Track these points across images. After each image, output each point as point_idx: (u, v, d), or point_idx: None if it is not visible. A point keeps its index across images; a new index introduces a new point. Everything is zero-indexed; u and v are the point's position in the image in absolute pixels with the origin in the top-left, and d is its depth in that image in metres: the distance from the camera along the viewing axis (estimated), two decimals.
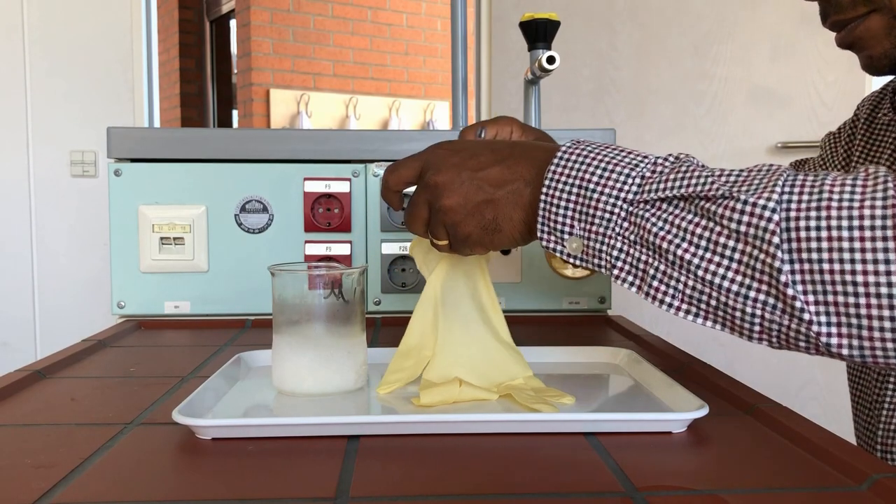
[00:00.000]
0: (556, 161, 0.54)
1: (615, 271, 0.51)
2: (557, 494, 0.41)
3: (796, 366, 2.16)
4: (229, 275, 0.97)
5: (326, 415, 0.55)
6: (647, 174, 0.51)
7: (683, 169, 0.50)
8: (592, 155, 0.53)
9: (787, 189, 0.46)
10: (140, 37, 2.50)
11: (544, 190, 0.53)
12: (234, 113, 5.37)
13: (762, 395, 0.58)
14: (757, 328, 0.47)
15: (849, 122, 0.88)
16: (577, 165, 0.53)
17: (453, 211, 0.56)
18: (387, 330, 0.91)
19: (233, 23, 5.28)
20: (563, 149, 0.54)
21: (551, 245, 0.54)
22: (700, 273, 0.48)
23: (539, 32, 1.09)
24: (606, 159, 0.52)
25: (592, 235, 0.52)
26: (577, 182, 0.52)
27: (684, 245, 0.48)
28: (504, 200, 0.56)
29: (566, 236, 0.53)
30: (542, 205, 0.54)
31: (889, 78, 0.83)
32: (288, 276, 0.61)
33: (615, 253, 0.51)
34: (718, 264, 0.47)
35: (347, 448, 0.48)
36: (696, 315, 0.49)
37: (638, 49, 2.33)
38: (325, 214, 0.97)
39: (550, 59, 1.03)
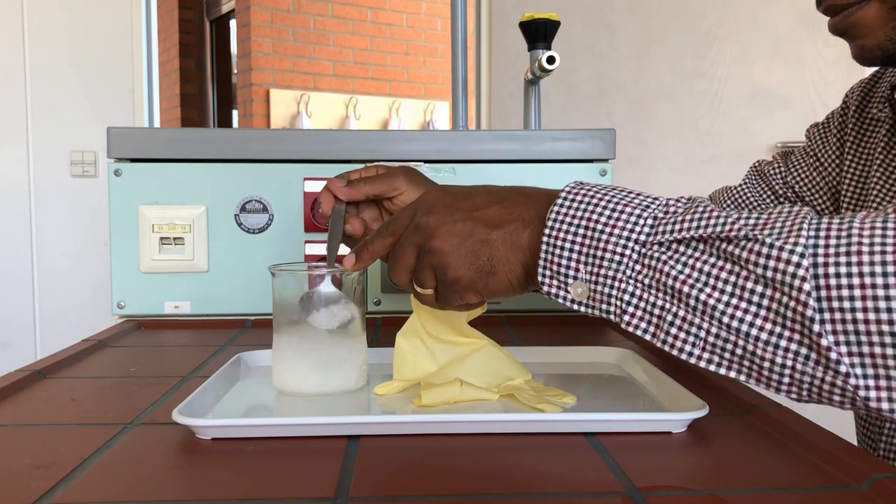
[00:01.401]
0: (559, 201, 0.50)
1: (626, 317, 0.48)
2: (557, 494, 0.41)
3: None
4: (229, 275, 0.97)
5: (326, 415, 0.55)
6: (660, 215, 0.48)
7: (700, 210, 0.47)
8: (599, 196, 0.50)
9: (812, 233, 0.43)
10: (140, 37, 2.50)
11: (547, 231, 0.50)
12: (234, 113, 5.37)
13: (762, 395, 0.58)
14: (786, 379, 0.44)
15: (838, 111, 0.86)
16: (582, 206, 0.50)
17: (444, 253, 0.53)
18: (387, 330, 0.91)
19: (233, 23, 5.29)
20: (567, 189, 0.51)
21: (553, 290, 0.50)
22: (725, 319, 0.44)
23: (539, 32, 1.09)
24: (615, 200, 0.49)
25: (600, 279, 0.48)
26: (584, 223, 0.49)
27: (707, 290, 0.45)
28: (500, 241, 0.52)
29: (570, 280, 0.49)
30: (544, 246, 0.50)
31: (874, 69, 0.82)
32: (288, 276, 0.61)
33: (626, 297, 0.48)
34: (745, 311, 0.44)
35: (347, 448, 0.48)
36: (719, 365, 0.46)
37: (638, 49, 2.33)
38: None
39: (550, 59, 1.03)
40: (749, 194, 0.94)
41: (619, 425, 0.51)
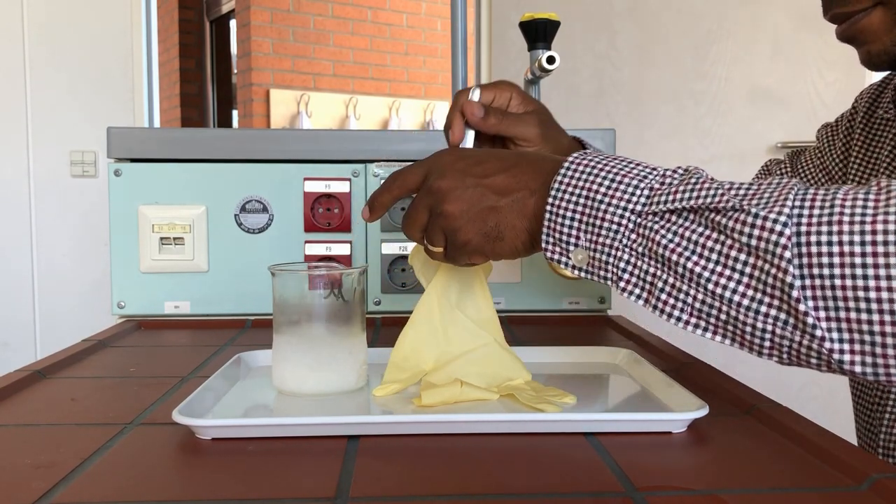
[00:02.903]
0: (562, 171, 0.53)
1: (622, 283, 0.50)
2: (557, 494, 0.41)
3: None
4: (229, 275, 0.97)
5: (326, 415, 0.55)
6: (656, 186, 0.50)
7: (693, 181, 0.49)
8: (600, 166, 0.52)
9: (797, 203, 0.45)
10: (140, 37, 2.50)
11: (550, 200, 0.52)
12: (234, 113, 5.37)
13: (762, 395, 0.58)
14: (767, 344, 0.46)
15: (846, 114, 0.87)
16: (584, 176, 0.52)
17: (454, 217, 0.55)
18: (387, 330, 0.91)
19: (233, 23, 5.28)
20: (570, 159, 0.53)
21: (556, 256, 0.53)
22: (710, 287, 0.47)
23: (539, 32, 1.09)
24: (615, 170, 0.51)
25: (599, 247, 0.51)
26: (584, 192, 0.51)
27: (694, 258, 0.47)
28: (508, 208, 0.55)
29: (571, 247, 0.52)
30: (547, 215, 0.52)
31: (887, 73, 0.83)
32: (288, 276, 0.61)
33: (622, 265, 0.50)
34: (729, 278, 0.46)
35: (347, 448, 0.48)
36: (705, 329, 0.48)
37: (638, 49, 2.33)
38: (325, 214, 0.97)
39: (550, 59, 1.03)
40: None
41: (619, 425, 0.51)
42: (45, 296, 2.51)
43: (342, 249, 0.96)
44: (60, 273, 2.50)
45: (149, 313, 0.96)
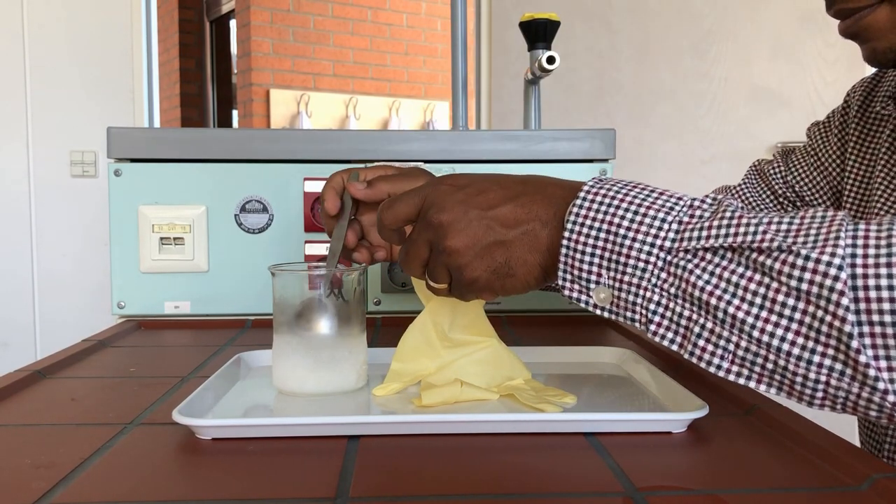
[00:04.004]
0: (578, 202, 0.49)
1: (652, 326, 0.47)
2: (557, 494, 0.41)
3: None
4: (229, 275, 0.97)
5: (326, 415, 0.55)
6: (685, 219, 0.46)
7: (728, 215, 0.45)
8: (620, 195, 0.48)
9: (849, 241, 0.41)
10: (140, 37, 2.50)
11: (566, 234, 0.48)
12: (234, 113, 5.37)
13: (762, 395, 0.58)
14: (820, 395, 0.43)
15: (839, 110, 0.86)
16: (602, 207, 0.48)
17: (459, 253, 0.51)
18: (387, 330, 0.91)
19: (233, 23, 5.28)
20: (587, 187, 0.49)
21: (575, 295, 0.49)
22: (755, 334, 0.43)
23: (539, 32, 1.09)
24: (637, 200, 0.47)
25: (624, 286, 0.47)
26: (605, 226, 0.47)
27: (736, 302, 0.43)
28: (518, 242, 0.51)
29: (592, 285, 0.48)
30: (563, 250, 0.48)
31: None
32: (288, 276, 0.61)
33: (652, 307, 0.46)
34: (776, 324, 0.42)
35: (347, 448, 0.48)
36: (749, 378, 0.45)
37: (638, 49, 2.33)
38: None
39: (550, 59, 1.03)
40: (748, 194, 0.93)
41: (619, 425, 0.51)
42: (45, 296, 2.51)
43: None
44: (60, 273, 2.50)
45: (149, 313, 0.96)
